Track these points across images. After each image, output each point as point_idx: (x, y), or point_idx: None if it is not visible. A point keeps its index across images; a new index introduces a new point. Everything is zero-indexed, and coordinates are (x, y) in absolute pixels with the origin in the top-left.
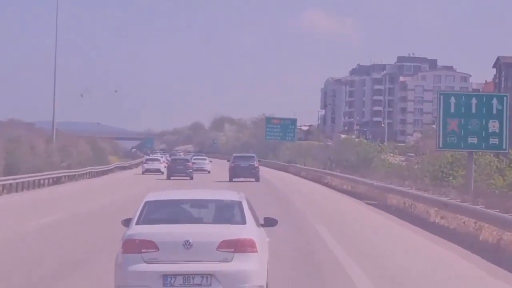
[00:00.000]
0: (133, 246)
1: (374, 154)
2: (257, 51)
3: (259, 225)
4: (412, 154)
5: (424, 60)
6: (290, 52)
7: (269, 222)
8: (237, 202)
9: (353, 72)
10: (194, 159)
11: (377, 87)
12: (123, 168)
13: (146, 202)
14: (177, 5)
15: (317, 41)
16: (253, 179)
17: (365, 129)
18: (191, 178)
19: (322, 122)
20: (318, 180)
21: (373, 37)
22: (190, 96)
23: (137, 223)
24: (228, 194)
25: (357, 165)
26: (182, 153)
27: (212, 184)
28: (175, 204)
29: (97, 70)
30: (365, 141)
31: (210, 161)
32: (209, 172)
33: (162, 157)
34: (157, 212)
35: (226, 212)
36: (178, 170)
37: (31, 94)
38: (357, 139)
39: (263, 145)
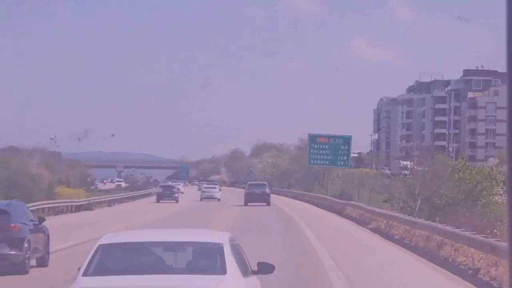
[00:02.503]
0: None
1: (484, 185)
2: (301, 76)
3: (248, 273)
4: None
5: (494, 73)
6: (337, 75)
7: (264, 269)
8: (217, 245)
9: (411, 90)
10: (205, 187)
11: (439, 106)
12: (77, 208)
13: (100, 246)
14: (227, 28)
15: (368, 62)
16: (265, 204)
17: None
18: (177, 201)
19: (375, 147)
20: (432, 253)
21: (431, 53)
22: (232, 124)
23: (84, 274)
24: (208, 235)
25: (455, 204)
26: (196, 182)
27: (230, 207)
28: (138, 248)
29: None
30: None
31: (220, 189)
32: (219, 200)
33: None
34: (113, 259)
35: (203, 259)
36: (166, 194)
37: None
38: (455, 161)
39: (306, 172)
